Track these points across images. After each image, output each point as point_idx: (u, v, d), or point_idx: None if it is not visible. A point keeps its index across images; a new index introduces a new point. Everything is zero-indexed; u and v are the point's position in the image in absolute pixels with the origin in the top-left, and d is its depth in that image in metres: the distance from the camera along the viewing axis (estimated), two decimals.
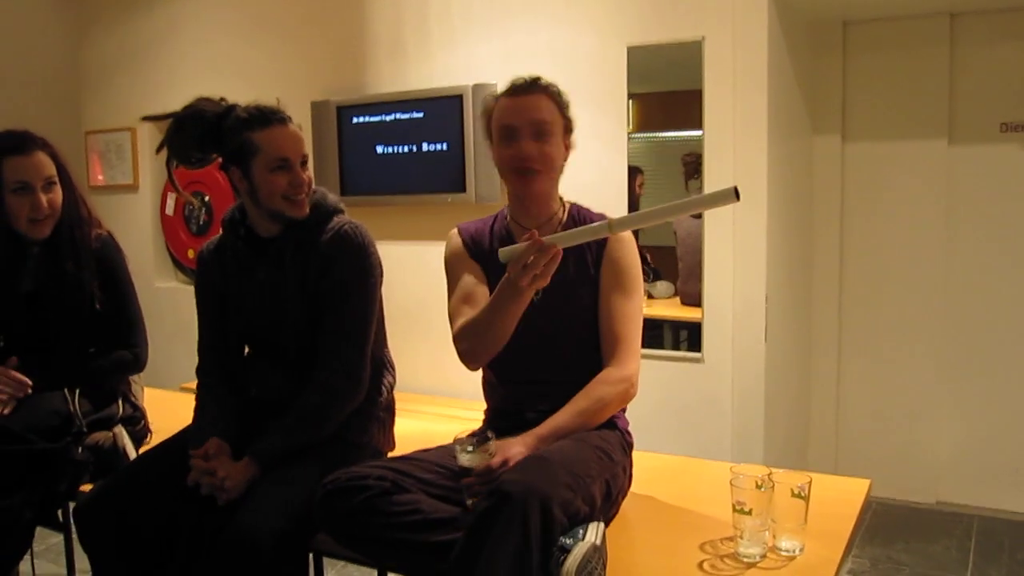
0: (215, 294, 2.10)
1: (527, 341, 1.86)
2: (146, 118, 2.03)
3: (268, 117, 1.93)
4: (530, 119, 1.87)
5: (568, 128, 1.94)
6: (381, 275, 2.05)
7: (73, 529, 2.73)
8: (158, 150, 2.01)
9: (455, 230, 2.06)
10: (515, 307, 1.73)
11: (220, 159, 2.00)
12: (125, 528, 1.84)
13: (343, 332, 1.97)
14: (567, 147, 1.95)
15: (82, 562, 3.26)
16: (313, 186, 2.02)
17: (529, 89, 1.91)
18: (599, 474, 1.69)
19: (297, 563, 1.79)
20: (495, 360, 1.90)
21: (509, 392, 1.96)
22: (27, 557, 2.23)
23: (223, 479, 1.79)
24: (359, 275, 1.99)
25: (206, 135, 1.96)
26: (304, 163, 1.98)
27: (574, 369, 1.88)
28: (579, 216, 1.98)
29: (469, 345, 1.84)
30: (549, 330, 1.90)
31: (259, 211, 1.99)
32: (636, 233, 1.96)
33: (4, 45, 4.73)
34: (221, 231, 2.11)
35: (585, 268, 1.92)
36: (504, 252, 1.69)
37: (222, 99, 2.01)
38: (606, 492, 1.72)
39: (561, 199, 2.01)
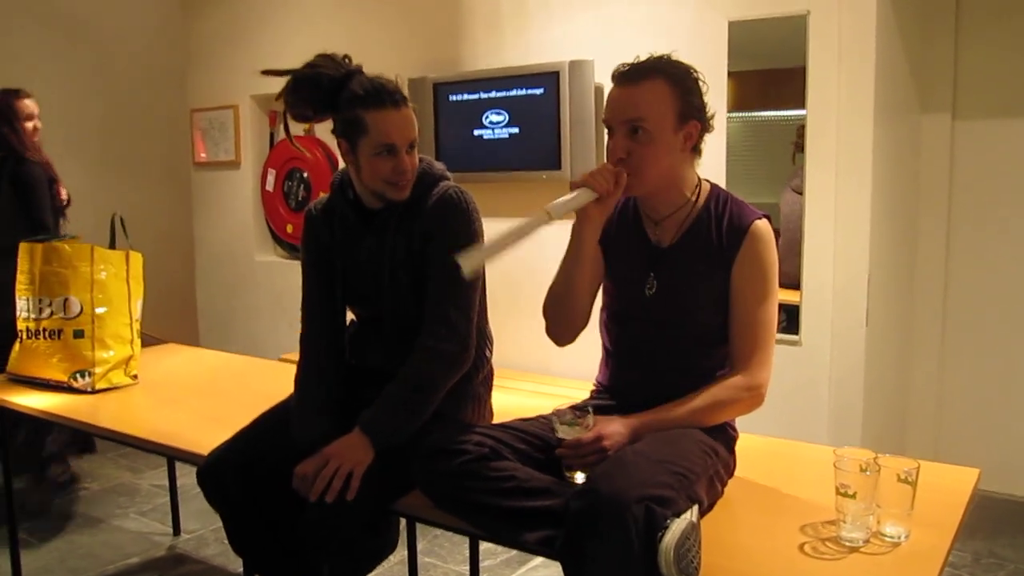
0: (324, 254, 2.08)
1: (646, 327, 1.84)
2: (266, 72, 1.99)
3: (382, 97, 1.87)
4: (624, 117, 1.74)
5: (687, 114, 1.76)
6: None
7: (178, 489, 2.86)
8: (277, 98, 1.98)
9: None
10: (576, 242, 1.79)
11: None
12: (249, 482, 1.89)
13: (450, 297, 1.91)
14: (688, 136, 1.77)
15: (188, 522, 3.43)
16: (418, 167, 1.97)
17: (631, 78, 1.75)
18: (703, 471, 1.63)
19: (378, 528, 1.83)
20: (612, 340, 1.91)
21: (622, 375, 1.92)
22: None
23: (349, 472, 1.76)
24: (465, 239, 1.93)
25: (322, 99, 1.92)
26: (412, 147, 1.92)
27: (694, 361, 1.82)
28: (718, 207, 1.81)
29: (550, 312, 1.87)
30: (668, 318, 1.82)
31: (362, 187, 1.99)
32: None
33: (113, 27, 4.93)
34: (330, 193, 2.10)
35: (716, 260, 1.79)
36: (554, 207, 1.67)
37: (346, 57, 1.95)
38: (709, 488, 1.67)
39: (699, 184, 1.85)
